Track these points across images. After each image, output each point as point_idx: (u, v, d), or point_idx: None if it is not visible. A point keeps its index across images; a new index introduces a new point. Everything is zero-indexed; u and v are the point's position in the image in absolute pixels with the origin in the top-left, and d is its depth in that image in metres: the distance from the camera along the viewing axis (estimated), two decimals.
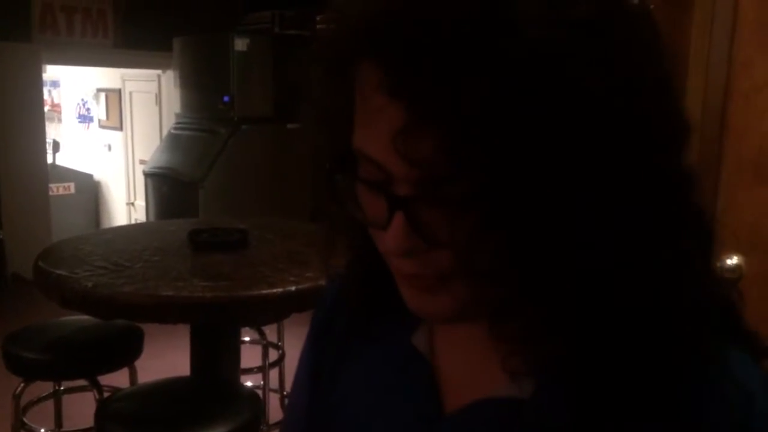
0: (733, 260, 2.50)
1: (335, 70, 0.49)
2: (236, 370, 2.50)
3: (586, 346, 0.46)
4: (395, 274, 0.51)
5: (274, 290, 1.99)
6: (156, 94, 6.31)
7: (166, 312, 1.95)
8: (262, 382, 2.84)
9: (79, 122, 7.54)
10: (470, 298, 0.48)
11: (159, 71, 6.10)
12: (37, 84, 5.43)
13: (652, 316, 0.46)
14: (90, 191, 7.06)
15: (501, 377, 0.52)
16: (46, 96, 6.35)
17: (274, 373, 3.02)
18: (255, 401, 2.12)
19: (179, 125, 5.35)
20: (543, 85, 0.40)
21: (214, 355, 2.45)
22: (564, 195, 0.42)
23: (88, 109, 7.39)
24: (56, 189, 6.37)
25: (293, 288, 2.00)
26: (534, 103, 0.40)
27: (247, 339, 3.02)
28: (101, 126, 7.19)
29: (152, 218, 5.28)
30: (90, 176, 7.11)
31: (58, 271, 2.10)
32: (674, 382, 0.46)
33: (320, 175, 0.55)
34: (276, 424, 2.78)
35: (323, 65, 0.51)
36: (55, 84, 7.62)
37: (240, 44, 4.85)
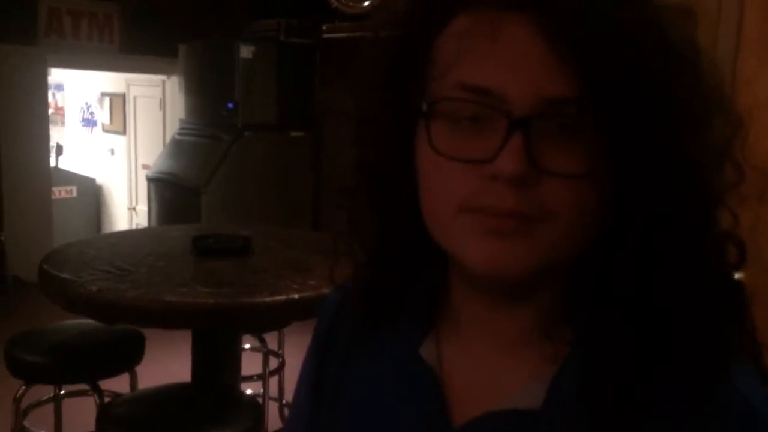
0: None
1: (416, 27, 0.53)
2: (237, 377, 2.50)
3: (601, 352, 0.48)
4: (476, 217, 0.49)
5: (277, 297, 2.00)
6: (160, 100, 6.33)
7: (170, 317, 1.96)
8: (261, 390, 2.84)
9: (83, 126, 7.56)
10: (550, 253, 0.49)
11: (164, 77, 6.12)
12: (42, 87, 5.45)
13: (670, 322, 0.48)
14: (92, 195, 7.07)
15: (510, 389, 0.52)
16: (50, 99, 6.37)
17: (273, 381, 3.01)
18: (255, 408, 2.12)
19: (183, 131, 5.37)
20: (658, 47, 0.47)
21: (215, 362, 2.45)
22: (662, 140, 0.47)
23: (92, 113, 7.41)
24: (58, 192, 6.38)
25: (296, 296, 2.00)
26: (652, 59, 0.47)
27: (247, 346, 3.02)
28: (105, 130, 7.21)
29: (154, 223, 5.29)
30: (92, 180, 7.12)
31: (63, 275, 2.11)
32: (685, 395, 0.47)
33: (368, 150, 0.58)
34: None
35: (393, 29, 0.55)
36: (59, 87, 7.64)
37: (245, 51, 4.87)
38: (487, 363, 0.56)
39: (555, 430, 0.50)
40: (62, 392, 2.75)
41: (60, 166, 6.89)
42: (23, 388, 2.45)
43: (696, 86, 0.49)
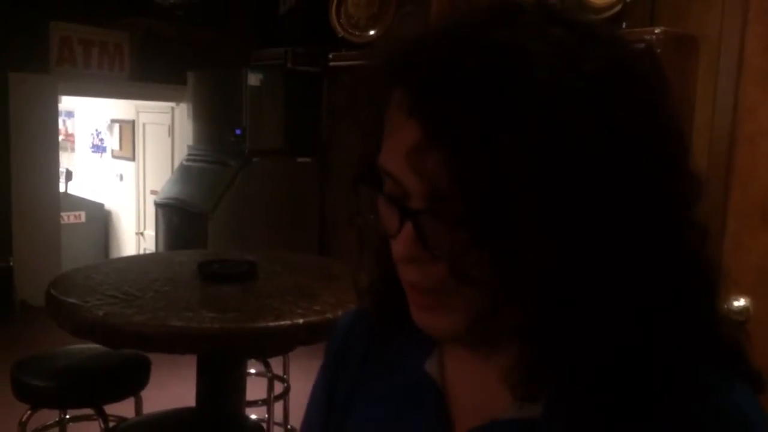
0: (740, 302, 2.51)
1: (372, 94, 0.55)
2: (241, 402, 2.50)
3: (587, 370, 0.49)
4: (404, 287, 0.55)
5: (282, 322, 2.01)
6: (169, 126, 6.40)
7: (175, 342, 1.97)
8: (266, 415, 2.83)
9: (93, 152, 7.63)
10: (466, 316, 0.51)
11: (173, 104, 6.19)
12: (53, 114, 5.52)
13: (650, 344, 0.48)
14: (100, 220, 7.11)
15: (510, 400, 0.54)
16: (60, 126, 6.45)
17: (278, 406, 3.01)
18: None
19: (191, 157, 5.42)
20: (542, 128, 0.44)
21: (220, 387, 2.45)
22: (556, 231, 0.46)
23: (101, 140, 7.48)
24: (67, 217, 6.42)
25: (301, 321, 2.01)
26: (529, 140, 0.44)
27: (252, 371, 3.02)
28: (114, 156, 7.27)
29: (161, 248, 5.31)
30: (101, 205, 7.17)
31: (70, 300, 2.13)
32: (677, 407, 0.48)
33: (350, 189, 0.60)
34: None
35: (362, 92, 0.57)
36: (69, 114, 7.73)
37: (253, 79, 4.93)
38: (487, 377, 0.57)
39: None
40: (67, 416, 2.76)
41: (69, 191, 6.95)
42: (29, 412, 2.46)
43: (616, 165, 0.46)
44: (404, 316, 0.57)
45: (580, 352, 0.48)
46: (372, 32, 4.51)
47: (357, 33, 4.57)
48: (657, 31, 2.54)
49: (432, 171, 0.47)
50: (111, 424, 2.34)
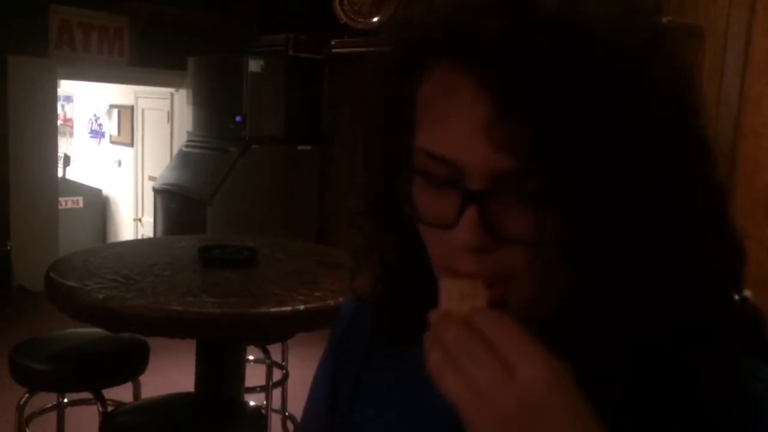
0: (742, 295, 2.51)
1: (401, 75, 0.51)
2: (240, 388, 2.50)
3: (617, 349, 0.48)
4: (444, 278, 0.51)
5: (283, 308, 2.00)
6: (168, 112, 6.37)
7: (175, 326, 1.96)
8: (264, 402, 2.83)
9: (91, 137, 7.61)
10: (524, 309, 0.49)
11: (172, 89, 6.16)
12: (52, 98, 5.49)
13: (689, 320, 0.48)
14: (98, 206, 7.09)
15: None
16: (59, 110, 6.41)
17: (277, 393, 3.01)
18: (258, 419, 2.12)
19: (190, 143, 5.40)
20: (624, 90, 0.44)
21: (219, 372, 2.45)
22: (634, 194, 0.45)
23: (100, 125, 7.45)
24: (65, 203, 6.40)
25: (302, 307, 2.01)
26: (610, 103, 0.44)
27: (251, 358, 3.02)
28: (112, 141, 7.25)
29: (160, 234, 5.30)
30: (99, 191, 7.14)
31: (69, 283, 2.12)
32: (700, 384, 0.48)
33: (372, 181, 0.57)
34: None
35: (383, 73, 0.54)
36: (68, 99, 7.70)
37: (254, 65, 4.91)
38: None
39: None
40: (65, 400, 2.75)
41: (67, 176, 6.92)
42: (27, 395, 2.45)
43: (671, 141, 0.46)
44: (416, 319, 0.55)
45: (621, 332, 0.48)
46: (375, 19, 4.48)
47: (360, 19, 4.54)
48: (663, 20, 2.53)
49: (509, 145, 0.44)
50: (109, 409, 2.34)
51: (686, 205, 0.47)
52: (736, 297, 0.53)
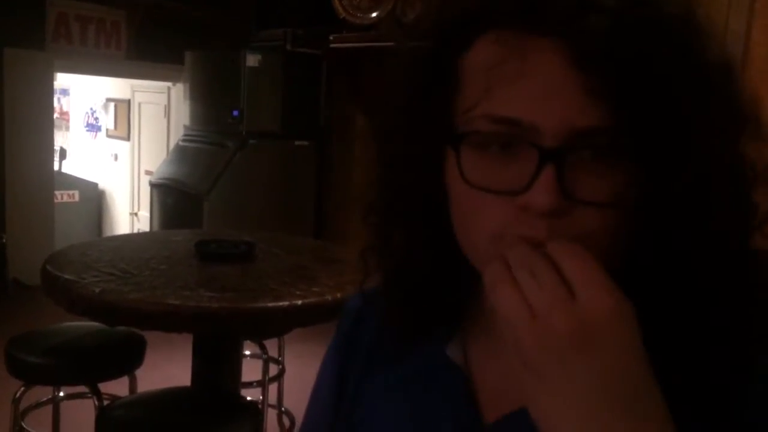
0: None
1: (443, 49, 0.52)
2: (237, 383, 2.49)
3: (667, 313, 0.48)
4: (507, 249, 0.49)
5: (280, 303, 2.00)
6: (165, 106, 6.35)
7: (172, 321, 1.95)
8: (261, 397, 2.83)
9: (87, 131, 7.58)
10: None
11: (169, 83, 6.14)
12: (48, 92, 5.46)
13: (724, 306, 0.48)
14: (94, 200, 7.07)
15: None
16: (55, 104, 6.39)
17: (273, 388, 3.00)
18: (255, 414, 2.12)
19: (187, 137, 5.38)
20: (701, 67, 0.47)
21: (216, 367, 2.44)
22: (700, 158, 0.46)
23: (96, 119, 7.43)
24: (60, 196, 6.38)
25: (299, 302, 2.00)
26: (683, 63, 0.46)
27: (247, 353, 3.01)
28: (109, 135, 7.22)
29: (156, 229, 5.28)
30: (95, 185, 7.12)
31: (66, 276, 2.11)
32: (728, 380, 0.47)
33: (395, 171, 0.56)
34: None
35: (420, 54, 0.54)
36: (64, 92, 7.67)
37: (252, 60, 4.89)
38: (514, 362, 0.56)
39: None
40: (61, 394, 2.75)
41: (63, 170, 6.90)
42: (22, 389, 2.44)
43: (729, 107, 0.48)
44: (427, 316, 0.54)
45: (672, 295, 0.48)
46: (374, 14, 4.46)
47: (359, 14, 4.52)
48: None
49: (587, 103, 0.45)
50: (105, 403, 2.33)
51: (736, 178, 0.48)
52: None
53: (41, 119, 5.36)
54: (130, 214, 6.87)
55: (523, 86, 0.47)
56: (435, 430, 0.58)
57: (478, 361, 0.59)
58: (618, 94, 0.44)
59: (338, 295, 2.05)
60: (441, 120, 0.52)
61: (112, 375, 2.46)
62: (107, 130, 7.23)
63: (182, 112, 5.55)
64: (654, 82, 0.44)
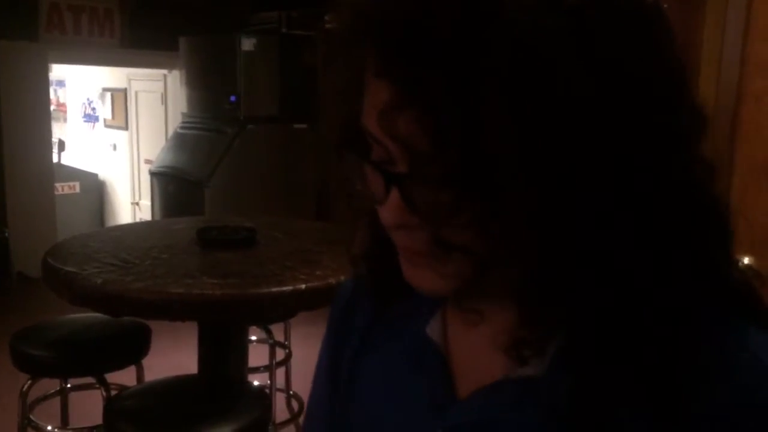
0: (744, 261, 2.49)
1: (347, 55, 0.51)
2: (244, 369, 2.49)
3: (588, 322, 0.46)
4: (398, 249, 0.53)
5: (284, 288, 1.98)
6: (162, 94, 6.32)
7: (176, 309, 1.94)
8: (268, 382, 2.83)
9: (85, 122, 7.55)
10: (456, 278, 0.50)
11: (165, 71, 6.10)
12: (44, 83, 5.44)
13: (660, 296, 0.46)
14: (95, 190, 7.07)
15: (510, 362, 0.52)
16: (51, 95, 6.35)
17: (280, 373, 3.00)
18: (263, 399, 2.11)
19: (185, 125, 5.35)
20: (520, 74, 0.41)
21: (222, 353, 2.44)
22: (545, 184, 0.43)
23: (93, 109, 7.39)
24: (61, 188, 6.38)
25: (303, 286, 1.99)
26: (510, 90, 0.41)
27: (254, 338, 3.01)
28: (106, 125, 7.20)
29: (158, 217, 5.28)
30: (95, 175, 7.11)
31: (67, 268, 2.10)
32: (689, 353, 0.46)
33: (332, 156, 0.58)
34: (283, 423, 2.77)
35: (338, 52, 0.53)
36: (60, 83, 7.63)
37: (247, 44, 4.85)
38: (487, 339, 0.55)
39: (556, 394, 0.49)
40: (68, 386, 2.75)
41: (62, 162, 6.88)
42: (29, 381, 2.44)
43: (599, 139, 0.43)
44: (400, 281, 0.54)
45: (579, 305, 0.46)
46: None
47: None
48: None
49: (407, 132, 0.44)
50: (113, 393, 2.33)
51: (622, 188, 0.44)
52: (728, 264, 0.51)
53: (38, 111, 5.34)
54: (131, 203, 6.86)
55: (367, 104, 0.48)
56: (413, 408, 0.59)
57: (455, 338, 0.59)
58: (440, 127, 0.42)
59: (342, 277, 2.04)
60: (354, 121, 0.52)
61: (118, 365, 2.46)
62: (105, 120, 7.20)
63: (179, 99, 5.52)
64: (467, 118, 0.42)
